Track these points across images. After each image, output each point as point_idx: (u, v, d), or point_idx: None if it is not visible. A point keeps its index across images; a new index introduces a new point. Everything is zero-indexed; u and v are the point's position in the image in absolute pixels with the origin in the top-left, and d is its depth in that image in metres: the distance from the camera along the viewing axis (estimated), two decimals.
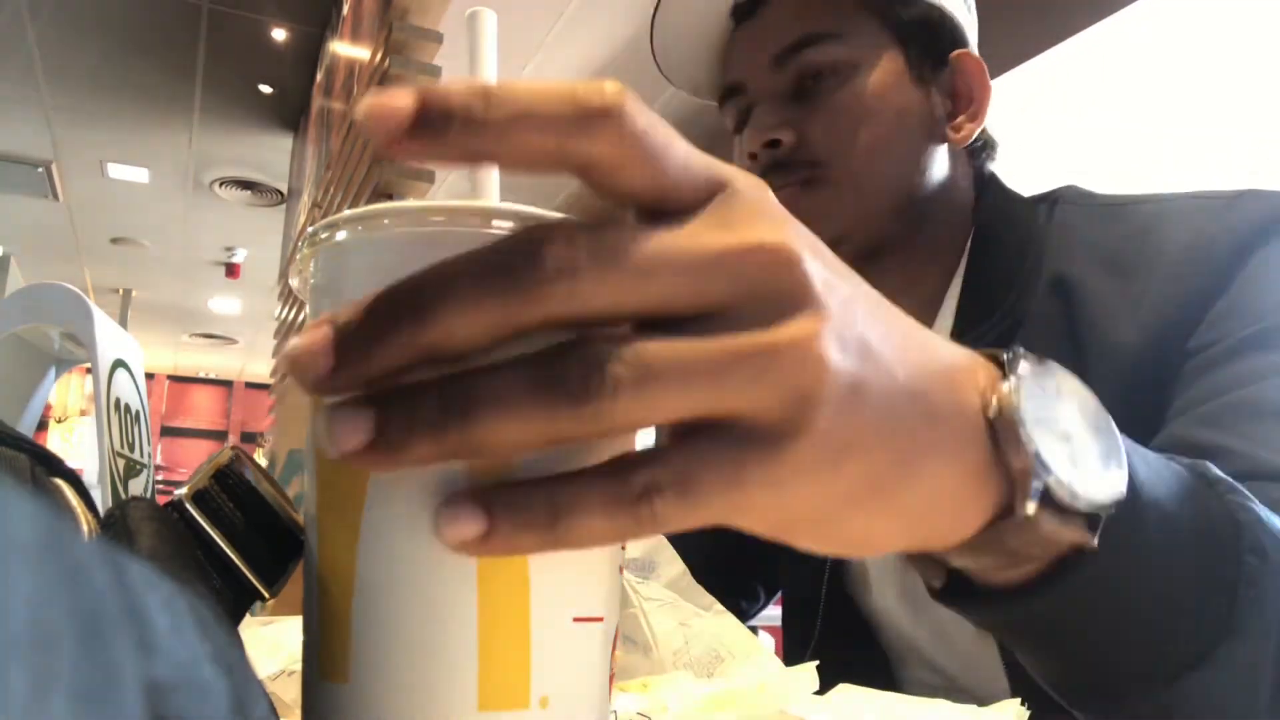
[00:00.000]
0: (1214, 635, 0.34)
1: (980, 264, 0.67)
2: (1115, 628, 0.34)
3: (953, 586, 0.34)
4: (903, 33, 0.67)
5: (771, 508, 0.23)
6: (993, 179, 0.72)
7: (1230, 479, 0.37)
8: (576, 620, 0.24)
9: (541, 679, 0.23)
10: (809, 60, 0.66)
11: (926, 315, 0.68)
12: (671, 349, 0.21)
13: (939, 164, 0.68)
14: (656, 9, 0.70)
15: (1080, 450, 0.30)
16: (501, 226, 0.24)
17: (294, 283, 0.27)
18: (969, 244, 0.68)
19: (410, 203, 0.24)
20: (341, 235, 0.25)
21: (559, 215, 0.23)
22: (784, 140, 0.66)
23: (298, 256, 0.27)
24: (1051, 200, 0.69)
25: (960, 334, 0.65)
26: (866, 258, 0.68)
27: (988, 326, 0.64)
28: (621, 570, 0.28)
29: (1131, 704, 0.35)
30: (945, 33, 0.68)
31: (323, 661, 0.24)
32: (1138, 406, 0.54)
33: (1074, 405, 0.31)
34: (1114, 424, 0.32)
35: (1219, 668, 0.34)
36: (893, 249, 0.68)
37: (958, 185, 0.70)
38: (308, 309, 0.27)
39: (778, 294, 0.22)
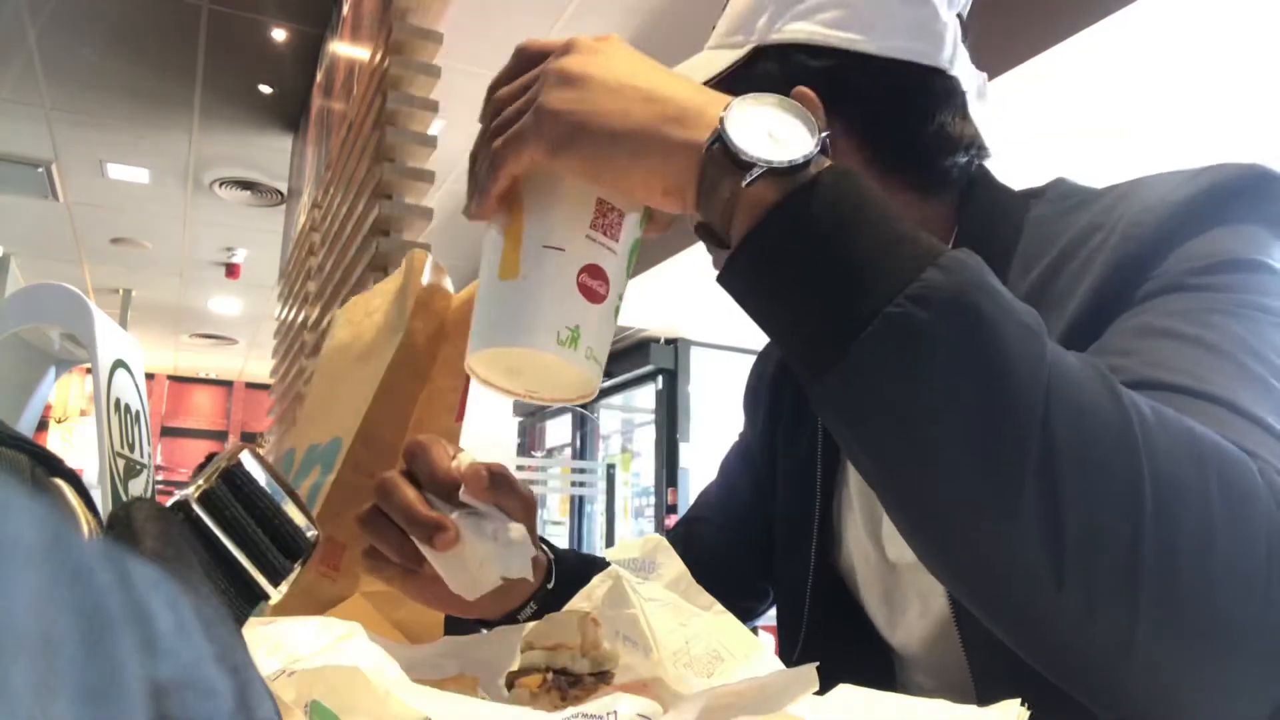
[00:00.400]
0: (857, 324, 0.40)
1: None
2: (812, 275, 0.42)
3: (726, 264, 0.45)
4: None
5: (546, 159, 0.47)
6: (982, 176, 0.69)
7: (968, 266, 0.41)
8: (545, 246, 0.48)
9: (525, 263, 0.48)
10: None
11: None
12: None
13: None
14: None
15: (779, 134, 0.44)
16: None
17: None
18: (950, 244, 0.67)
19: None
20: None
21: None
22: None
23: None
24: (1034, 195, 0.68)
25: None
26: None
27: None
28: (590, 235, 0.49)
29: (826, 365, 0.41)
30: (779, 84, 0.62)
31: (503, 267, 0.48)
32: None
33: (774, 111, 0.45)
34: (810, 125, 0.45)
35: (884, 328, 0.39)
36: None
37: (934, 193, 0.68)
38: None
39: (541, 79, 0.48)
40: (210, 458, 0.28)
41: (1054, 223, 0.63)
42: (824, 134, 0.44)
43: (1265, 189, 0.55)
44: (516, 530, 0.56)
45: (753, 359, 0.93)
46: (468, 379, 0.76)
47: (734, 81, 0.64)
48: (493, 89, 0.50)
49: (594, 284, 0.48)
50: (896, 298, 0.39)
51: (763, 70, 0.65)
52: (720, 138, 0.43)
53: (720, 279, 0.45)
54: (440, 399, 0.80)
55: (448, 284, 0.84)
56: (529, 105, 0.46)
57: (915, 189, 0.67)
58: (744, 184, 0.42)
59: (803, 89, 0.62)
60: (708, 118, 0.44)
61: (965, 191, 0.68)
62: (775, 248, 0.43)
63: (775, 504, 0.80)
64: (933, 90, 0.65)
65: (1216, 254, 0.53)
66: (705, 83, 0.61)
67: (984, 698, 0.59)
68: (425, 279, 0.82)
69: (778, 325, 0.45)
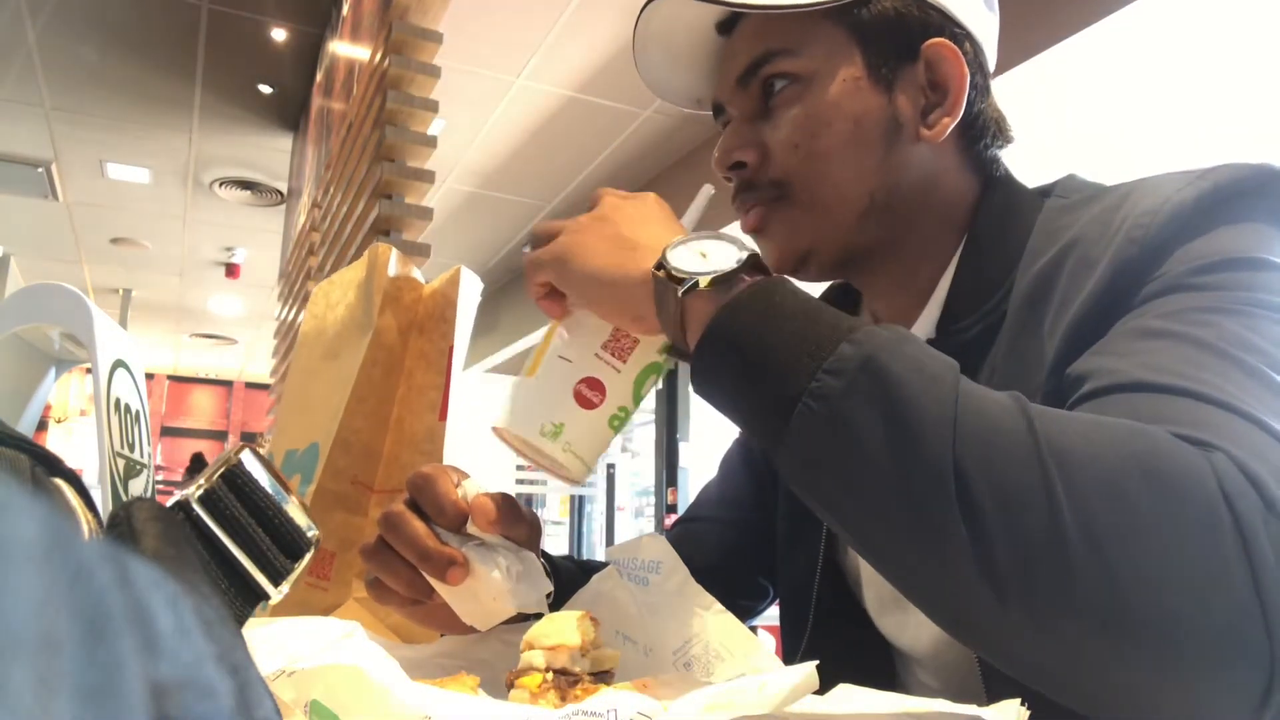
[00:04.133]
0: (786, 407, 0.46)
1: (974, 258, 0.66)
2: (749, 370, 0.48)
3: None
4: (863, 35, 0.65)
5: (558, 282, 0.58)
6: (1002, 173, 0.70)
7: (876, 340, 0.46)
8: (559, 357, 0.60)
9: (541, 367, 0.60)
10: (765, 76, 0.67)
11: (915, 308, 0.68)
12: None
13: (915, 164, 0.67)
14: (636, 25, 0.70)
15: (710, 254, 0.54)
16: None
17: None
18: (965, 237, 0.68)
19: None
20: None
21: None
22: (747, 160, 0.68)
23: None
24: (1045, 192, 0.69)
25: (943, 329, 0.65)
26: (842, 266, 0.69)
27: (968, 323, 0.64)
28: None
29: (775, 442, 0.47)
30: (913, 26, 0.66)
31: (529, 369, 0.59)
32: (1080, 355, 0.55)
33: (707, 240, 0.55)
34: (743, 249, 0.54)
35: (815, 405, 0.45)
36: (877, 252, 0.68)
37: (947, 180, 0.68)
38: None
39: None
40: (197, 458, 0.28)
41: (1060, 218, 0.64)
42: (749, 253, 0.53)
43: (1270, 188, 0.55)
44: (529, 562, 0.58)
45: None
46: (449, 375, 0.76)
47: (853, 9, 0.65)
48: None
49: (590, 394, 0.58)
50: (816, 374, 0.45)
51: (890, 8, 0.66)
52: (662, 263, 0.53)
53: (693, 386, 0.52)
54: (421, 397, 0.79)
55: (416, 274, 0.83)
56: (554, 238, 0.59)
57: (970, 168, 0.70)
58: (679, 294, 0.52)
59: (944, 41, 0.66)
60: (656, 250, 0.54)
61: (987, 182, 0.70)
62: (717, 353, 0.50)
63: (778, 501, 0.80)
64: (989, 68, 0.70)
65: (1217, 253, 0.53)
66: (816, 4, 0.64)
67: (993, 694, 0.59)
68: (392, 271, 0.80)
69: (737, 416, 0.51)
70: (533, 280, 0.59)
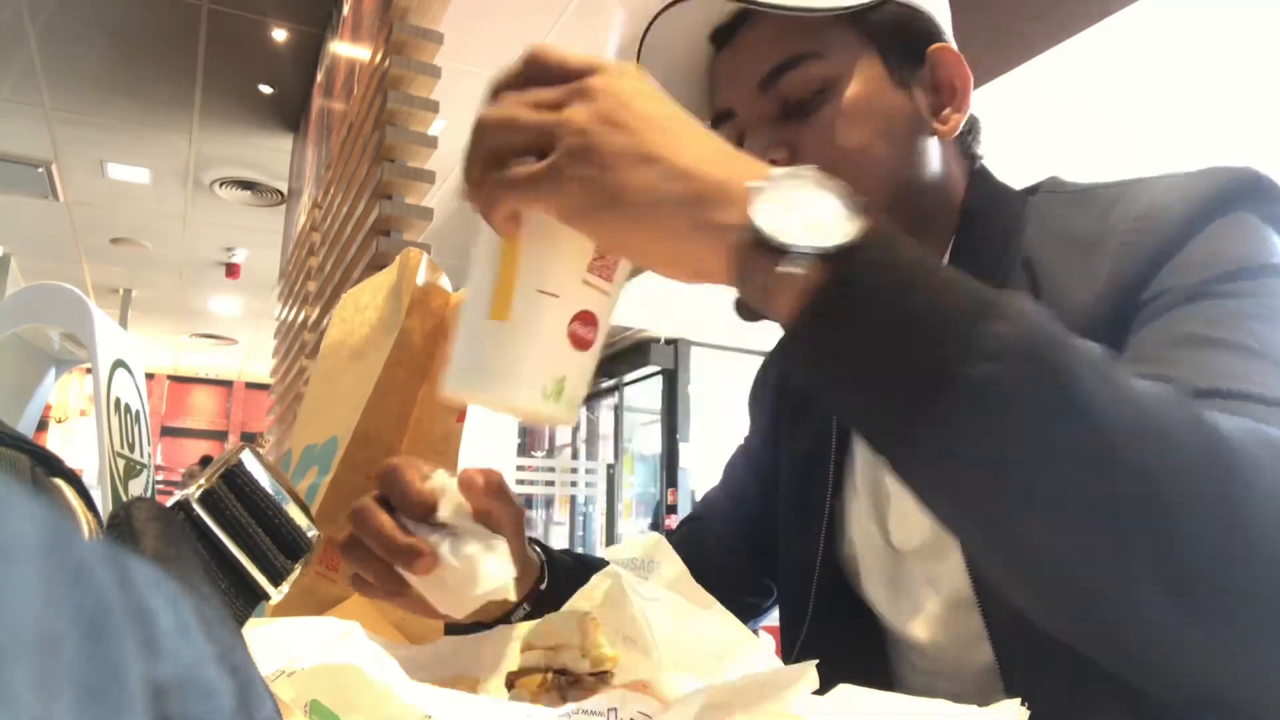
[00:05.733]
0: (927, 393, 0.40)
1: (966, 250, 0.70)
2: (876, 349, 0.41)
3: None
4: (878, 39, 0.68)
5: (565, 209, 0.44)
6: (982, 171, 0.74)
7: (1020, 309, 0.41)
8: (539, 291, 0.45)
9: (516, 308, 0.45)
10: (792, 82, 0.67)
11: None
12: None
13: (930, 158, 0.70)
14: (642, 40, 0.71)
15: (814, 214, 0.42)
16: None
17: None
18: (955, 233, 0.71)
19: None
20: None
21: None
22: (777, 160, 0.68)
23: None
24: (1031, 191, 0.72)
25: None
26: None
27: None
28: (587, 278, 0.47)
29: (907, 435, 0.41)
30: (919, 30, 0.70)
31: (494, 306, 0.45)
32: None
33: (798, 186, 0.43)
34: (848, 202, 0.43)
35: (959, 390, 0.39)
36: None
37: (949, 175, 0.72)
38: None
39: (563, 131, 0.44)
40: (206, 460, 0.28)
41: (1050, 218, 0.67)
42: (854, 205, 0.43)
43: (1259, 190, 0.59)
44: (498, 548, 0.54)
45: (752, 358, 0.94)
46: None
47: (869, 16, 0.67)
48: (495, 90, 0.48)
49: (584, 331, 0.47)
50: (969, 357, 0.39)
51: (896, 13, 0.68)
52: (753, 225, 0.42)
53: (784, 359, 0.44)
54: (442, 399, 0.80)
55: (444, 282, 0.84)
56: (545, 148, 0.44)
57: (961, 163, 0.72)
58: (780, 269, 0.41)
59: (945, 45, 0.69)
60: (737, 197, 0.43)
61: (970, 177, 0.73)
62: (831, 328, 0.42)
63: (779, 500, 0.81)
64: None
65: (1231, 259, 0.55)
66: (850, 6, 0.65)
67: (1009, 679, 0.59)
68: (421, 278, 0.81)
69: (848, 401, 0.44)
70: (510, 202, 0.45)
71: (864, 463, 0.75)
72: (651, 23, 0.70)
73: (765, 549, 0.83)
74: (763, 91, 0.69)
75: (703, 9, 0.68)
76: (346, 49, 2.85)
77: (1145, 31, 2.47)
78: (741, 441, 0.92)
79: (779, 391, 0.86)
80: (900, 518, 0.70)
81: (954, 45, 0.72)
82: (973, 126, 0.74)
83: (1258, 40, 2.54)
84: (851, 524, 0.75)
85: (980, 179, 0.73)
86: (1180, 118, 2.96)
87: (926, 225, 0.71)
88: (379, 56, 2.02)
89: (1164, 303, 0.55)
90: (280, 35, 3.67)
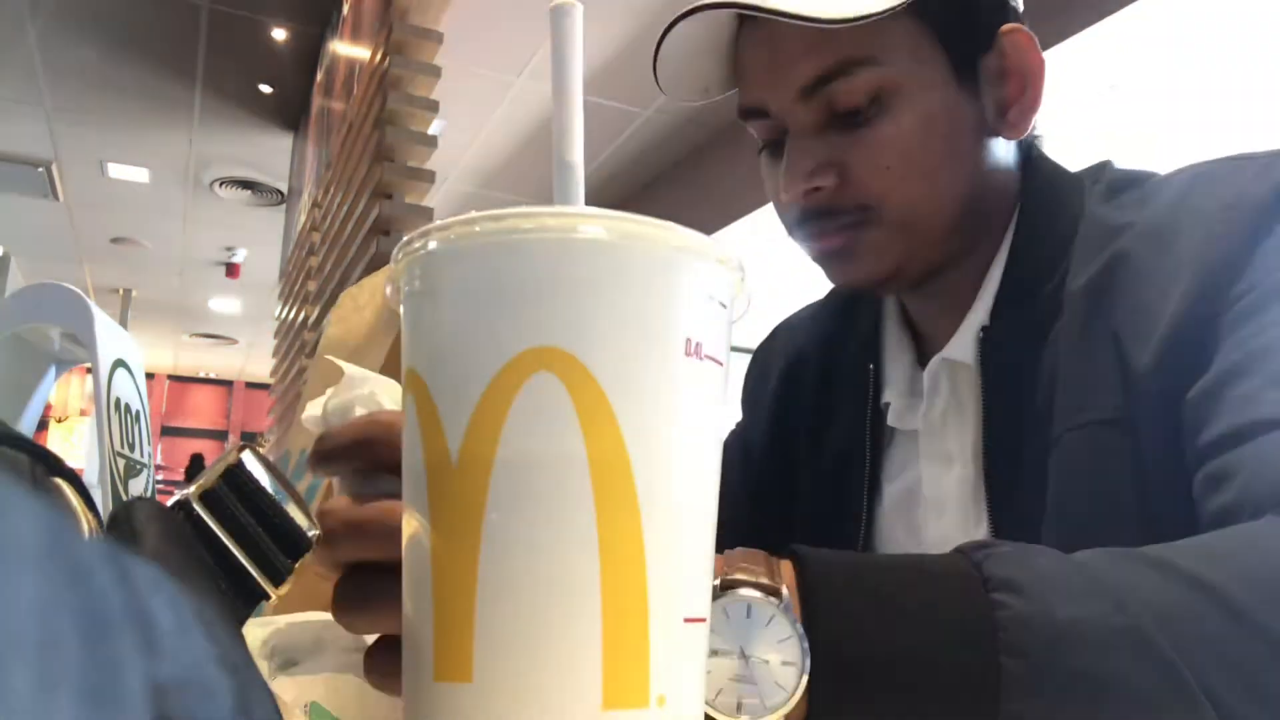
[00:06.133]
0: None
1: (1026, 245, 0.64)
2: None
3: None
4: (941, 29, 0.60)
5: None
6: (1037, 155, 0.68)
7: (1004, 573, 0.36)
8: (687, 620, 0.26)
9: (658, 678, 0.24)
10: (840, 93, 0.59)
11: (967, 295, 0.66)
12: None
13: (995, 161, 0.64)
14: (667, 31, 0.62)
15: (757, 669, 0.35)
16: (587, 231, 0.25)
17: (388, 290, 0.28)
18: (1014, 225, 0.65)
19: (500, 211, 0.25)
20: (434, 244, 0.26)
21: (643, 220, 0.25)
22: (826, 185, 0.61)
23: (391, 265, 0.28)
24: (1094, 178, 0.66)
25: (1000, 312, 0.63)
26: (926, 281, 0.65)
27: (1027, 308, 0.62)
28: None
29: None
30: (984, 9, 0.61)
31: (439, 662, 0.25)
32: (1185, 371, 0.53)
33: (743, 625, 0.35)
34: (788, 623, 0.35)
35: None
36: (963, 242, 0.65)
37: (1007, 171, 0.66)
38: (403, 314, 0.28)
39: None
40: (196, 459, 0.28)
41: (1117, 211, 0.61)
42: (808, 656, 0.36)
43: None
44: None
45: (748, 357, 0.91)
46: None
47: (930, 2, 0.59)
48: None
49: None
50: (999, 709, 0.34)
51: None
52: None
53: None
54: None
55: None
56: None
57: (1017, 153, 0.66)
58: None
59: (1019, 27, 0.62)
60: None
61: (1025, 163, 0.67)
62: None
63: (795, 496, 0.78)
64: None
65: None
66: (888, 9, 0.56)
67: None
68: None
69: None
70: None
71: (898, 467, 0.72)
72: (676, 22, 0.61)
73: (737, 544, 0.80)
74: (805, 100, 0.60)
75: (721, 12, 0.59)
76: (346, 49, 2.85)
77: (1160, 22, 2.47)
78: (734, 427, 0.87)
79: (785, 398, 0.80)
80: (936, 542, 0.67)
81: (1021, 12, 0.64)
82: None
83: (1270, 28, 2.54)
84: (883, 541, 0.71)
85: (1037, 169, 0.66)
86: (1196, 110, 2.96)
87: (981, 226, 0.65)
88: (379, 56, 2.02)
89: (1245, 305, 0.52)
90: (280, 35, 3.67)
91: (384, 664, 0.34)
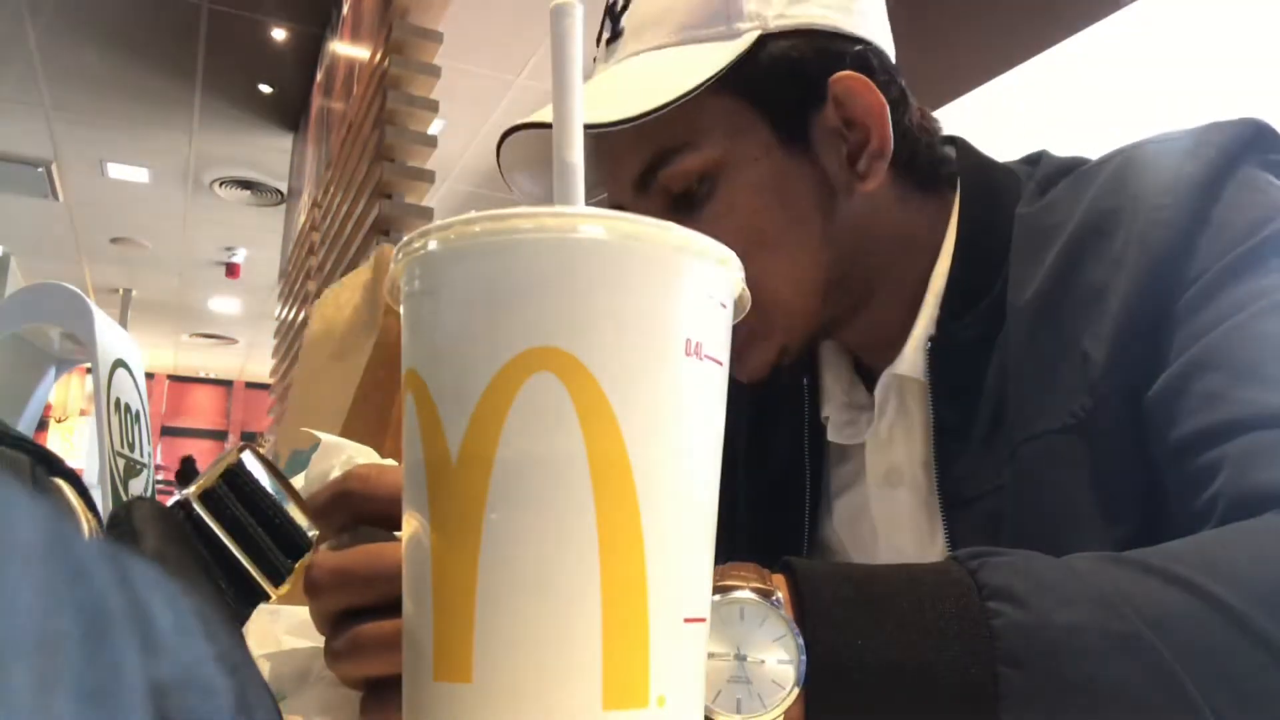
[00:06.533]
0: None
1: (966, 254, 0.62)
2: None
3: None
4: (759, 96, 0.58)
5: None
6: (965, 155, 0.65)
7: (999, 581, 0.37)
8: (687, 621, 0.25)
9: (658, 678, 0.24)
10: (668, 179, 0.58)
11: (905, 312, 0.64)
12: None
13: (856, 218, 0.61)
14: (499, 155, 0.62)
15: (753, 671, 0.35)
16: (587, 231, 0.24)
17: (386, 289, 0.28)
18: (951, 232, 0.63)
19: (500, 211, 0.25)
20: (434, 244, 0.26)
21: (643, 220, 0.25)
22: None
23: (392, 265, 0.28)
24: (1029, 174, 0.65)
25: (947, 321, 0.62)
26: (819, 341, 0.65)
27: (973, 316, 0.61)
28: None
29: None
30: (809, 65, 0.58)
31: (439, 662, 0.25)
32: (1140, 363, 0.53)
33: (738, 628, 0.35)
34: (797, 643, 0.35)
35: None
36: (849, 313, 0.64)
37: (895, 213, 0.63)
38: (403, 314, 0.28)
39: None
40: (186, 461, 0.28)
41: (1051, 208, 0.61)
42: (798, 638, 0.36)
43: (1261, 140, 0.56)
44: None
45: None
46: None
47: (741, 72, 0.56)
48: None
49: None
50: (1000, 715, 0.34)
51: (779, 53, 0.58)
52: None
53: None
54: None
55: None
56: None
57: (923, 187, 0.64)
58: None
59: (851, 74, 0.58)
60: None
61: (950, 180, 0.65)
62: None
63: (737, 521, 0.75)
64: (895, 70, 0.63)
65: (1254, 229, 0.52)
66: (703, 82, 0.54)
67: None
68: None
69: None
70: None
71: (843, 482, 0.70)
72: (504, 140, 0.61)
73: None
74: (642, 191, 0.60)
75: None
76: (346, 49, 2.85)
77: (1153, 24, 2.47)
78: None
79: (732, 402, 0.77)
80: (890, 551, 0.66)
81: (878, 45, 0.61)
82: (917, 143, 0.63)
83: (1266, 28, 2.55)
84: (831, 553, 0.70)
85: (968, 176, 0.64)
86: (1186, 109, 2.96)
87: (887, 279, 0.64)
88: (379, 56, 2.02)
89: (1197, 291, 0.52)
90: (280, 35, 3.67)
91: (379, 706, 0.34)
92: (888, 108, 0.59)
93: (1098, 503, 0.53)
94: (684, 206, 0.59)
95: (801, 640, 0.35)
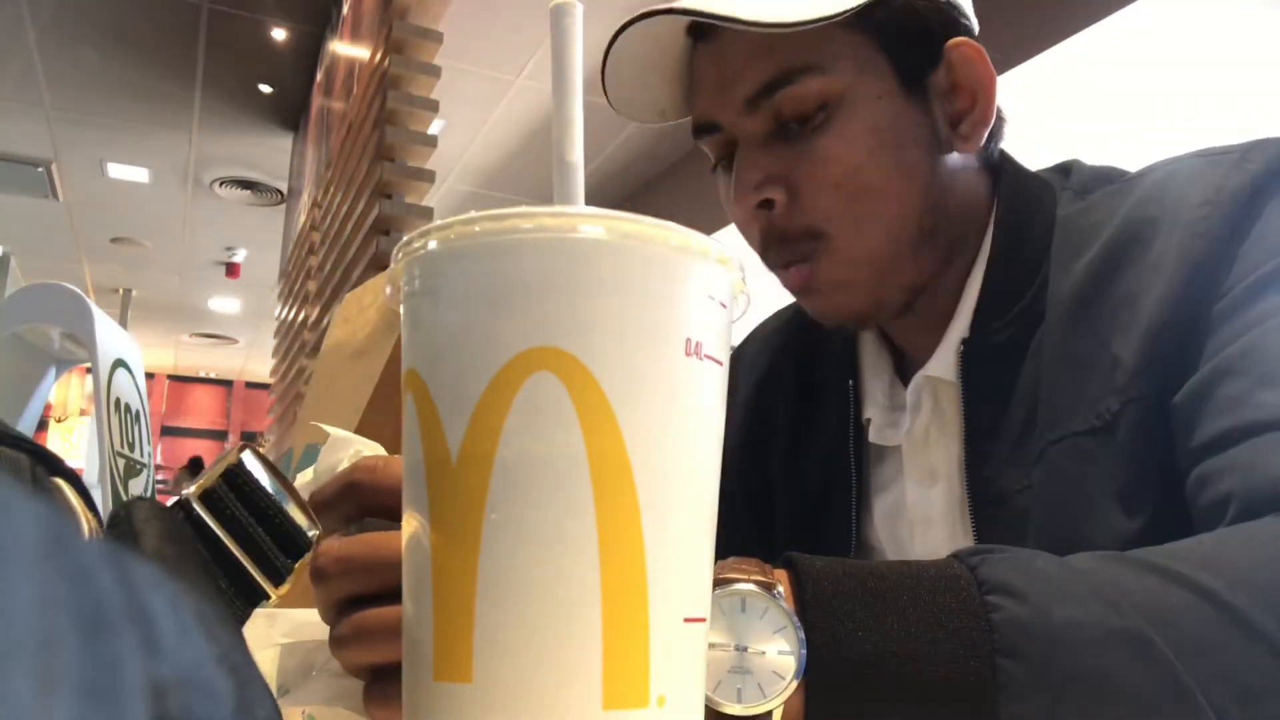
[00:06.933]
0: None
1: (1002, 256, 0.63)
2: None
3: None
4: (888, 41, 0.59)
5: None
6: (1006, 162, 0.67)
7: (999, 577, 0.37)
8: (687, 620, 0.25)
9: (658, 678, 0.24)
10: (786, 100, 0.58)
11: (945, 310, 0.65)
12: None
13: (953, 177, 0.62)
14: (610, 45, 0.62)
15: (754, 661, 0.36)
16: (587, 231, 0.25)
17: (388, 290, 0.28)
18: (989, 237, 0.64)
19: (500, 211, 0.25)
20: (434, 244, 0.26)
21: (643, 220, 0.25)
22: (775, 199, 0.59)
23: (392, 265, 0.28)
24: (1060, 178, 0.66)
25: (981, 325, 0.63)
26: (908, 307, 0.64)
27: (1006, 321, 0.62)
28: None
29: None
30: (933, 25, 0.60)
31: (439, 662, 0.25)
32: (1171, 369, 0.53)
33: (741, 619, 0.36)
34: (786, 620, 0.36)
35: None
36: (934, 259, 0.64)
37: (971, 184, 0.64)
38: (403, 314, 0.28)
39: None
40: (195, 461, 0.28)
41: (1091, 212, 0.61)
42: (798, 629, 0.36)
43: None
44: None
45: None
46: None
47: (875, 12, 0.57)
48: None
49: None
50: (998, 709, 0.35)
51: (910, 6, 0.59)
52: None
53: None
54: None
55: None
56: None
57: (983, 165, 0.65)
58: None
59: (969, 41, 0.61)
60: None
61: (996, 174, 0.66)
62: None
63: (776, 520, 0.76)
64: None
65: None
66: (855, 6, 0.55)
67: None
68: None
69: None
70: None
71: (884, 482, 0.71)
72: (617, 35, 0.61)
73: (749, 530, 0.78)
74: (751, 110, 0.59)
75: (673, 19, 0.58)
76: (346, 48, 2.85)
77: (1159, 19, 2.47)
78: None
79: (761, 410, 0.78)
80: (924, 549, 0.66)
81: (975, 29, 0.63)
82: (998, 126, 0.64)
83: (1269, 26, 2.54)
84: (870, 553, 0.71)
85: (1006, 180, 0.65)
86: (1192, 106, 2.96)
87: (954, 252, 0.64)
88: (379, 56, 2.02)
89: (1230, 300, 0.52)
90: (280, 35, 3.67)
91: (382, 695, 0.34)
92: (997, 80, 0.61)
93: (1121, 508, 0.54)
94: (792, 134, 0.59)
95: (802, 633, 0.36)
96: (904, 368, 0.71)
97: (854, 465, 0.70)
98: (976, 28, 0.65)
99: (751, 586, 0.36)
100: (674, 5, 0.58)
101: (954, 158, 0.62)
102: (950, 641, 0.35)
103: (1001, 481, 0.60)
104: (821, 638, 0.36)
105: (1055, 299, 0.59)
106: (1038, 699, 0.35)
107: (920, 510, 0.67)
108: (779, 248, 0.62)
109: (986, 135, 0.62)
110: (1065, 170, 0.67)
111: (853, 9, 0.56)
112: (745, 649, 0.36)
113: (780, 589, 0.36)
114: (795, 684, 0.35)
